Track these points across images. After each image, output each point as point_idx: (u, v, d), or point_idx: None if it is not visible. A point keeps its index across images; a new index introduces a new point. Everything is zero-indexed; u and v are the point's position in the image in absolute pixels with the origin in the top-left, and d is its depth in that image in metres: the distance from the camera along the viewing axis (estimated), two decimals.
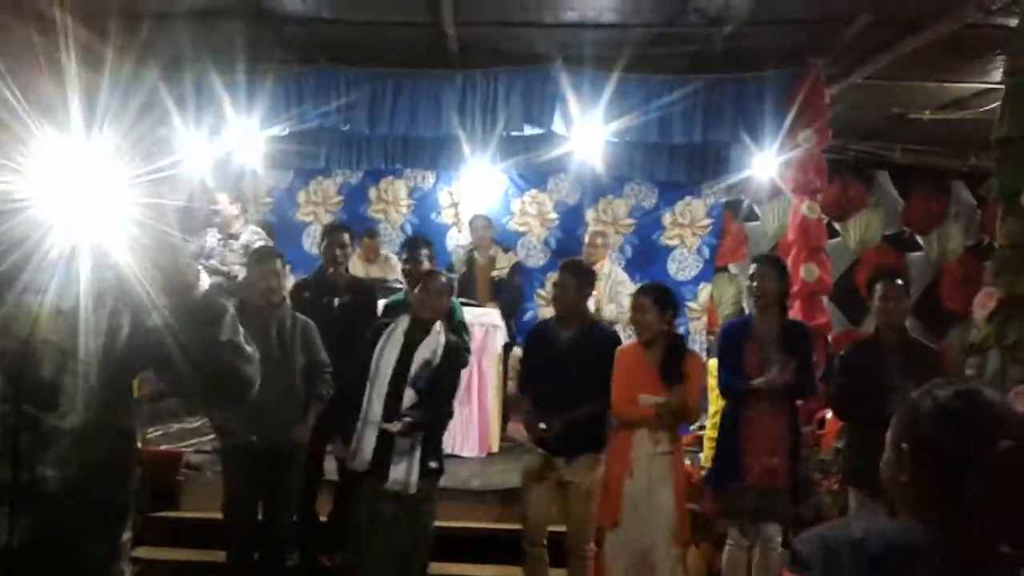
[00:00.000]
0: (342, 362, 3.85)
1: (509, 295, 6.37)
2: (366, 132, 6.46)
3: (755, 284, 3.80)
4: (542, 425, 3.71)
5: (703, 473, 4.60)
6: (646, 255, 7.75)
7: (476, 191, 7.78)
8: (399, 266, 5.42)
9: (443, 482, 3.74)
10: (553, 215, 7.92)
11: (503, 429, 6.17)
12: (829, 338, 6.00)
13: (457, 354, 3.81)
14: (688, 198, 7.74)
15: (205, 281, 1.40)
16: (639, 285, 4.36)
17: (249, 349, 1.49)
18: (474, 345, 5.34)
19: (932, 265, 7.92)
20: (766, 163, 5.95)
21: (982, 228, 7.64)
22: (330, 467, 4.22)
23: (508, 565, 4.21)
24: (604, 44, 5.49)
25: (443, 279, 3.78)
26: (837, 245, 7.55)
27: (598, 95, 5.62)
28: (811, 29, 5.34)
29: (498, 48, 5.77)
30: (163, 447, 5.23)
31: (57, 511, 1.38)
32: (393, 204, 8.00)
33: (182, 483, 4.89)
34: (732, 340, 3.85)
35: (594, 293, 4.72)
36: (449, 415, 3.79)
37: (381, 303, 4.60)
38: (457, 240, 7.74)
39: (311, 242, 7.76)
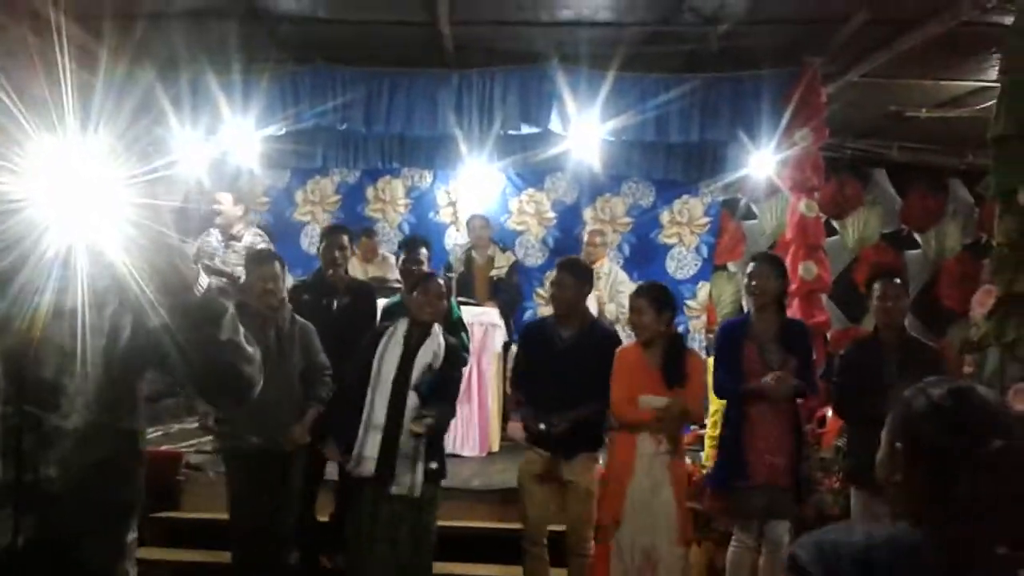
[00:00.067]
0: (341, 364, 3.83)
1: (508, 294, 6.37)
2: (363, 131, 6.47)
3: (753, 283, 3.76)
4: (542, 425, 3.70)
5: (704, 472, 4.60)
6: (644, 254, 7.76)
7: (473, 190, 7.78)
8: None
9: (443, 482, 3.73)
10: (551, 214, 7.92)
11: (503, 428, 6.16)
12: (828, 336, 6.00)
13: (457, 355, 3.80)
14: (686, 197, 7.75)
15: (205, 281, 1.40)
16: (636, 286, 4.35)
17: (250, 349, 1.49)
18: (473, 344, 5.34)
19: (930, 263, 7.93)
20: (763, 161, 5.95)
21: (980, 226, 7.66)
22: (330, 468, 4.21)
23: (508, 564, 4.21)
24: (600, 43, 5.49)
25: (440, 281, 3.75)
26: (835, 243, 7.57)
27: (595, 94, 5.63)
28: (807, 27, 5.34)
29: (494, 47, 5.77)
30: (163, 447, 5.22)
31: (61, 511, 1.38)
32: (391, 203, 8.00)
33: (182, 483, 4.88)
34: (730, 339, 3.82)
35: (595, 292, 4.70)
36: (452, 416, 3.78)
37: (381, 303, 4.59)
38: (455, 239, 7.72)
39: (309, 242, 7.77)
